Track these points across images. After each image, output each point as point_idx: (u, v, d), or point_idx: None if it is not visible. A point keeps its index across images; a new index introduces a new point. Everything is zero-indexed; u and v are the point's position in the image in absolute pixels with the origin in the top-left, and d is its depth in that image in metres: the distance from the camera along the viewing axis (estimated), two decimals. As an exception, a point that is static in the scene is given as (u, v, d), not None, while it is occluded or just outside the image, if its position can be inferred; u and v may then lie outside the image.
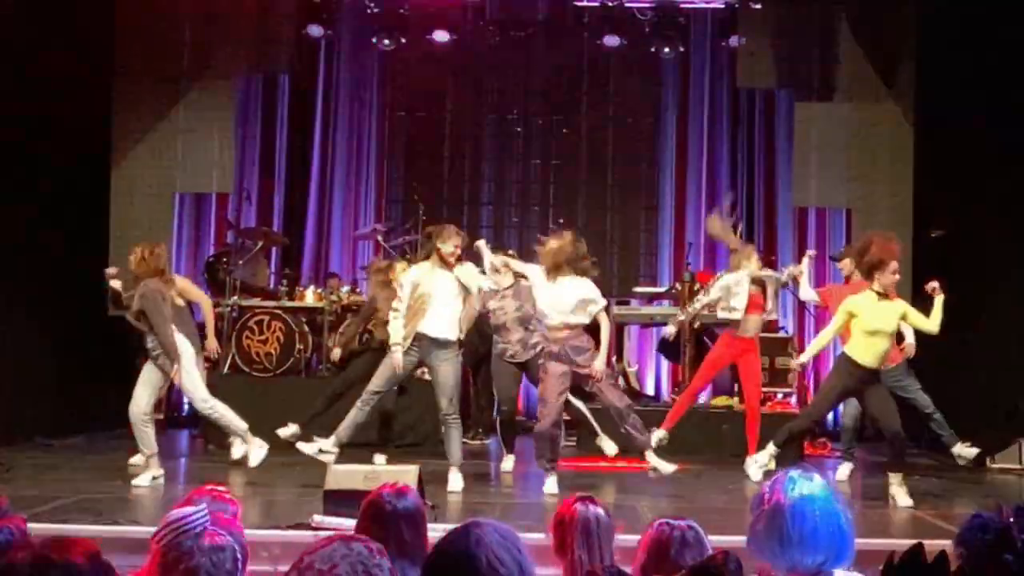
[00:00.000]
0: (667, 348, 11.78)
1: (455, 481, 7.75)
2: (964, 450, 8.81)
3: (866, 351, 7.54)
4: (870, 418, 8.34)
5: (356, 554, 2.07)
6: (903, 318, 7.61)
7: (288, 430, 8.55)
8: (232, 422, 8.21)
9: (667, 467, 7.96)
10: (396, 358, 7.80)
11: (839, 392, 7.91)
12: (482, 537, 2.25)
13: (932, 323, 7.72)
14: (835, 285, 9.61)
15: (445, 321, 7.82)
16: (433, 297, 7.79)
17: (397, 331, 7.81)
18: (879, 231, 8.12)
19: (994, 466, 9.35)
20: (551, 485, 7.71)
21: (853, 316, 7.54)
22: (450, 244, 7.84)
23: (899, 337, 8.68)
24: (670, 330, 9.47)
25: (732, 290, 8.77)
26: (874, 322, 7.48)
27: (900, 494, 7.49)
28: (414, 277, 7.91)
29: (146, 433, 7.86)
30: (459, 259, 7.94)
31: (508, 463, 8.91)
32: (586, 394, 8.28)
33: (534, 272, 7.96)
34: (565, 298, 7.68)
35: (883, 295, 7.51)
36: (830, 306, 8.79)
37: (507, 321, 8.65)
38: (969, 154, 10.23)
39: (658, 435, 8.48)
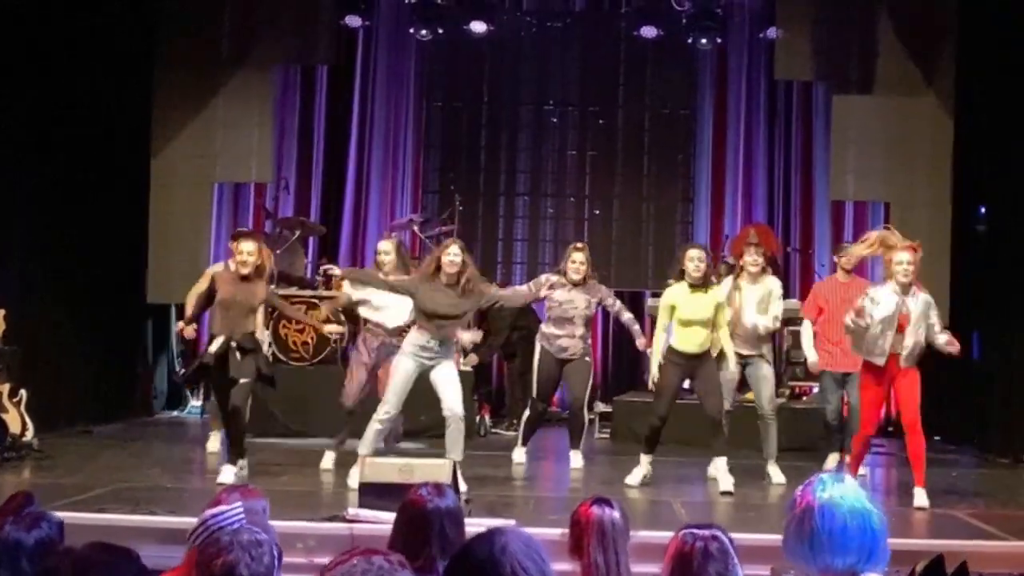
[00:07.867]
0: None
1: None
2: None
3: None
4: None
5: (377, 568, 2.07)
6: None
7: None
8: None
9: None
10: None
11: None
12: (507, 544, 2.26)
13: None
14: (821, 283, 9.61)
15: None
16: None
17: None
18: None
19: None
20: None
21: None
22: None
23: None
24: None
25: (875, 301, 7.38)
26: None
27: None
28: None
29: None
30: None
31: (520, 455, 8.86)
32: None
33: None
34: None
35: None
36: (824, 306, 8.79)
37: (575, 316, 8.58)
38: (1010, 147, 10.12)
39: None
